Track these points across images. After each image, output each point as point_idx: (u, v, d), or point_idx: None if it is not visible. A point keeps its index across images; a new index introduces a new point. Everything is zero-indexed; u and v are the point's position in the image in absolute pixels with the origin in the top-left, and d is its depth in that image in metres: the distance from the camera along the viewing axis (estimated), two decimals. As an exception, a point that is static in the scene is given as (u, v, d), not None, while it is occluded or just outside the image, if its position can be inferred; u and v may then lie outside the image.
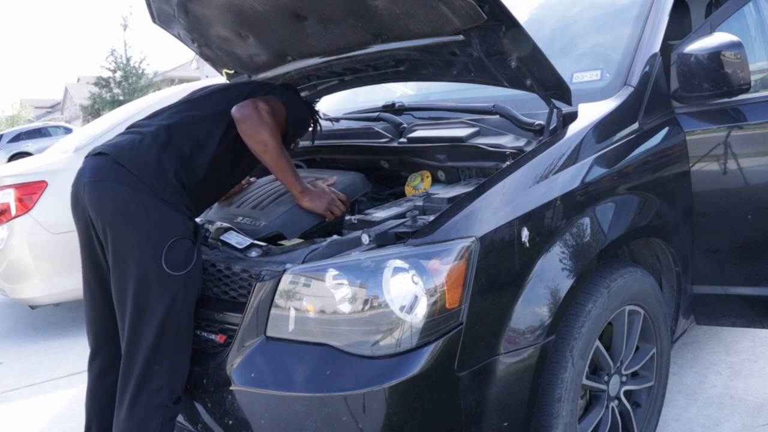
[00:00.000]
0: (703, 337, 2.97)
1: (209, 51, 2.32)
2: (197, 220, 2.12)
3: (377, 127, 2.23)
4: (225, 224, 1.98)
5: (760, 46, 2.34)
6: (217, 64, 2.42)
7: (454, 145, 1.91)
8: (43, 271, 3.60)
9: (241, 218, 1.96)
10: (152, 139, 1.74)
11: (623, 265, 1.83)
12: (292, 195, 1.91)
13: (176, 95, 4.26)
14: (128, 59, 26.18)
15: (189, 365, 1.68)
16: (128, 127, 1.86)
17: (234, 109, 1.81)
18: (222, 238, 1.82)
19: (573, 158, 1.68)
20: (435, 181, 2.04)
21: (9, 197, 3.65)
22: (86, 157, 1.76)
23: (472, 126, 1.95)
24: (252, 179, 2.35)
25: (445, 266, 1.40)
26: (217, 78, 3.30)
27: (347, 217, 1.78)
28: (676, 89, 2.01)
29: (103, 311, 1.77)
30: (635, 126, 1.89)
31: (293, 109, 1.95)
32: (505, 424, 1.50)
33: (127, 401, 1.62)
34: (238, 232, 1.88)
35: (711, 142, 2.05)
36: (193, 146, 1.77)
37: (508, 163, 1.68)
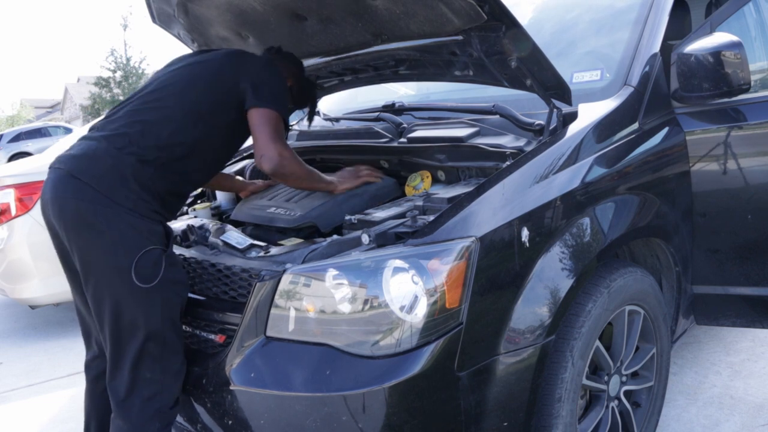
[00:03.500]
0: (703, 337, 2.97)
1: (209, 51, 2.31)
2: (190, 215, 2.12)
3: (377, 127, 2.23)
4: (225, 224, 1.98)
5: (760, 46, 2.34)
6: (217, 64, 2.41)
7: (454, 145, 1.91)
8: (43, 271, 3.60)
9: (274, 209, 1.97)
10: (108, 143, 1.64)
11: (623, 265, 1.83)
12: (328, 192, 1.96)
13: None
14: (128, 59, 26.20)
15: (185, 366, 1.65)
16: (89, 129, 1.76)
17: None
18: (222, 238, 1.82)
19: (573, 158, 1.68)
20: (435, 181, 2.04)
21: (9, 197, 3.65)
22: (49, 167, 1.68)
23: (472, 126, 1.95)
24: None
25: (445, 266, 1.40)
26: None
27: (347, 217, 1.78)
28: (676, 89, 2.01)
29: (91, 316, 1.73)
30: (635, 126, 1.89)
31: (285, 111, 1.87)
32: (505, 424, 1.50)
33: (122, 410, 1.59)
34: (239, 232, 1.88)
35: (711, 142, 2.05)
36: (157, 147, 1.65)
37: (508, 163, 1.68)
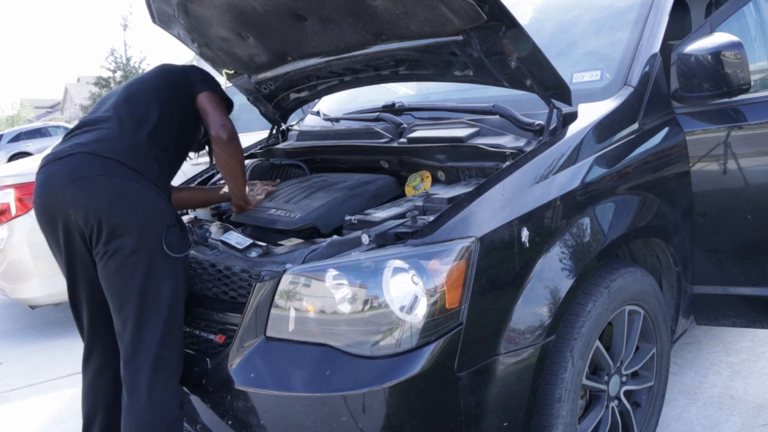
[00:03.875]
0: (703, 337, 2.97)
1: (209, 51, 2.32)
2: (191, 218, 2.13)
3: (377, 127, 2.23)
4: (225, 224, 1.98)
5: (760, 46, 2.34)
6: (217, 64, 2.42)
7: (454, 145, 1.91)
8: (43, 271, 3.59)
9: (273, 210, 1.97)
10: (120, 127, 1.74)
11: (623, 265, 1.83)
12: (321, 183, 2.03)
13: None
14: (128, 59, 26.20)
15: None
16: (70, 132, 1.81)
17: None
18: (222, 238, 1.82)
19: (573, 158, 1.68)
20: (435, 181, 2.04)
21: (9, 197, 3.65)
22: (43, 166, 1.69)
23: (472, 126, 1.95)
24: (278, 180, 2.39)
25: (445, 266, 1.40)
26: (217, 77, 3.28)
27: (347, 218, 1.78)
28: (676, 89, 2.01)
29: (92, 310, 1.77)
30: (635, 126, 1.89)
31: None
32: (505, 424, 1.50)
33: (144, 391, 1.61)
34: (239, 232, 1.88)
35: (711, 142, 2.05)
36: (158, 128, 1.79)
37: (508, 163, 1.68)
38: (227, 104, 1.99)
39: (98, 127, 1.75)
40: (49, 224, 1.69)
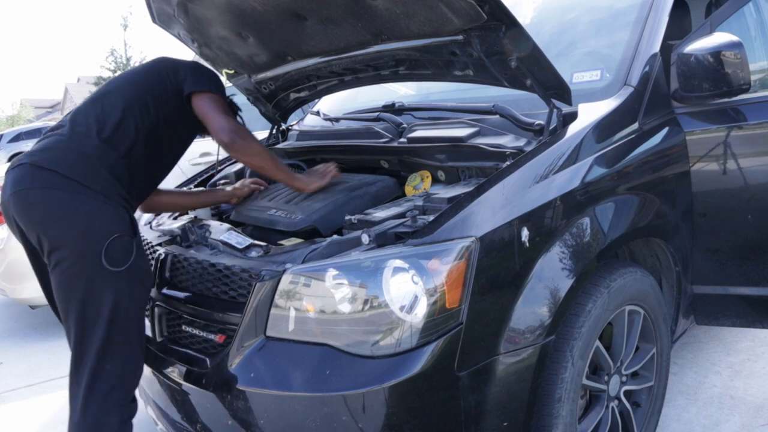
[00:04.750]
0: (703, 337, 2.97)
1: (209, 51, 2.32)
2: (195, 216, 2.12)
3: (377, 127, 2.23)
4: (225, 224, 1.98)
5: (760, 46, 2.34)
6: (217, 64, 2.42)
7: (454, 145, 1.91)
8: (43, 271, 3.60)
9: (274, 211, 1.97)
10: (71, 133, 1.70)
11: (623, 265, 1.83)
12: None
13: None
14: (128, 59, 26.18)
15: (143, 363, 1.68)
16: (45, 133, 1.80)
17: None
18: (222, 238, 1.82)
19: (573, 158, 1.68)
20: (435, 181, 2.04)
21: (9, 197, 3.65)
22: (6, 172, 1.70)
23: (472, 126, 1.95)
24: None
25: (445, 266, 1.40)
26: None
27: (347, 217, 1.78)
28: (676, 89, 2.01)
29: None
30: (635, 126, 1.89)
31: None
32: (505, 424, 1.50)
33: (80, 403, 1.58)
34: (239, 232, 1.88)
35: (711, 142, 2.05)
36: (116, 136, 1.72)
37: (508, 163, 1.68)
38: (230, 105, 1.95)
39: (51, 134, 1.74)
40: (10, 227, 1.71)
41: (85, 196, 1.61)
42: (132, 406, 1.65)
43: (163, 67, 1.91)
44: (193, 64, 1.94)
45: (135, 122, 1.77)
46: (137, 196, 1.82)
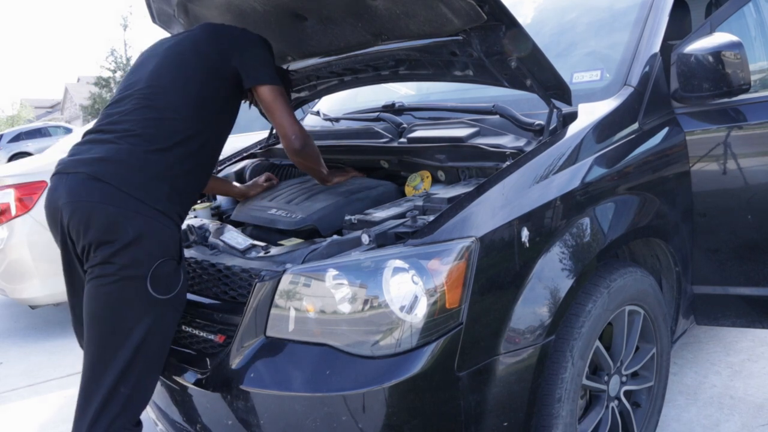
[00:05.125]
0: (703, 337, 2.97)
1: (209, 51, 2.31)
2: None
3: (377, 127, 2.23)
4: (225, 224, 1.98)
5: (760, 46, 2.34)
6: (217, 64, 2.41)
7: (454, 145, 1.91)
8: (43, 271, 3.60)
9: (275, 210, 1.96)
10: (129, 144, 1.60)
11: (623, 265, 1.83)
12: (323, 185, 2.02)
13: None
14: (128, 59, 26.22)
15: (155, 387, 1.62)
16: (88, 132, 1.71)
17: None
18: (222, 238, 1.82)
19: (573, 158, 1.68)
20: (435, 181, 2.04)
21: (9, 197, 3.65)
22: (55, 174, 1.63)
23: (472, 126, 1.95)
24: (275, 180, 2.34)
25: (445, 266, 1.40)
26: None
27: (347, 217, 1.78)
28: (676, 89, 2.01)
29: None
30: (635, 126, 1.89)
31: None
32: (505, 424, 1.50)
33: (88, 421, 1.53)
34: (239, 232, 1.88)
35: (711, 142, 2.05)
36: (175, 144, 1.63)
37: (508, 163, 1.68)
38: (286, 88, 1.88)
39: (108, 140, 1.63)
40: (54, 231, 1.66)
41: (144, 216, 1.54)
42: (136, 430, 1.60)
43: (223, 43, 1.76)
44: (247, 50, 1.77)
45: (198, 129, 1.68)
46: (188, 207, 1.72)
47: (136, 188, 1.55)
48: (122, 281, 1.52)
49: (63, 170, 1.62)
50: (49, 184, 1.66)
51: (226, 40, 1.78)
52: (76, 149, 1.67)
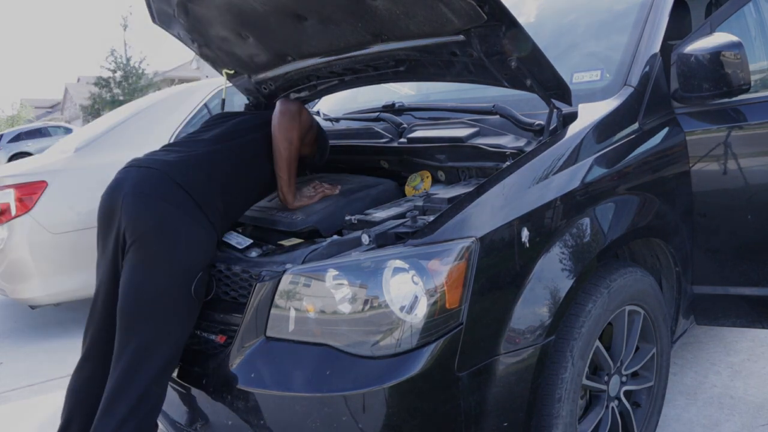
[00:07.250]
0: (703, 337, 2.97)
1: (209, 51, 2.32)
2: None
3: (377, 127, 2.23)
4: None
5: (760, 46, 2.34)
6: (217, 64, 2.42)
7: (454, 145, 1.91)
8: (43, 271, 3.60)
9: (275, 211, 1.97)
10: (199, 159, 1.75)
11: (623, 265, 1.83)
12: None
13: (176, 95, 4.26)
14: (128, 59, 26.16)
15: (165, 392, 1.64)
16: (163, 148, 1.86)
17: (281, 102, 1.90)
18: (222, 238, 1.82)
19: (573, 158, 1.68)
20: (435, 181, 2.04)
21: (9, 197, 3.64)
22: (126, 167, 1.71)
23: (472, 126, 1.95)
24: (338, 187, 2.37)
25: (445, 266, 1.40)
26: (217, 78, 3.29)
27: (347, 217, 1.78)
28: (676, 89, 2.01)
29: (105, 321, 1.70)
30: (635, 126, 1.89)
31: (323, 135, 2.07)
32: (505, 424, 1.50)
33: (115, 421, 1.52)
34: (239, 232, 1.88)
35: (711, 142, 2.05)
36: (232, 173, 1.80)
37: (508, 163, 1.68)
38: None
39: (192, 151, 1.78)
40: (104, 221, 1.68)
41: (196, 219, 1.64)
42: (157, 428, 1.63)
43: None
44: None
45: (250, 162, 1.88)
46: (230, 223, 1.86)
47: (198, 194, 1.67)
48: (167, 281, 1.58)
49: (138, 163, 1.74)
50: (117, 175, 1.71)
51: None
52: (163, 148, 1.87)
